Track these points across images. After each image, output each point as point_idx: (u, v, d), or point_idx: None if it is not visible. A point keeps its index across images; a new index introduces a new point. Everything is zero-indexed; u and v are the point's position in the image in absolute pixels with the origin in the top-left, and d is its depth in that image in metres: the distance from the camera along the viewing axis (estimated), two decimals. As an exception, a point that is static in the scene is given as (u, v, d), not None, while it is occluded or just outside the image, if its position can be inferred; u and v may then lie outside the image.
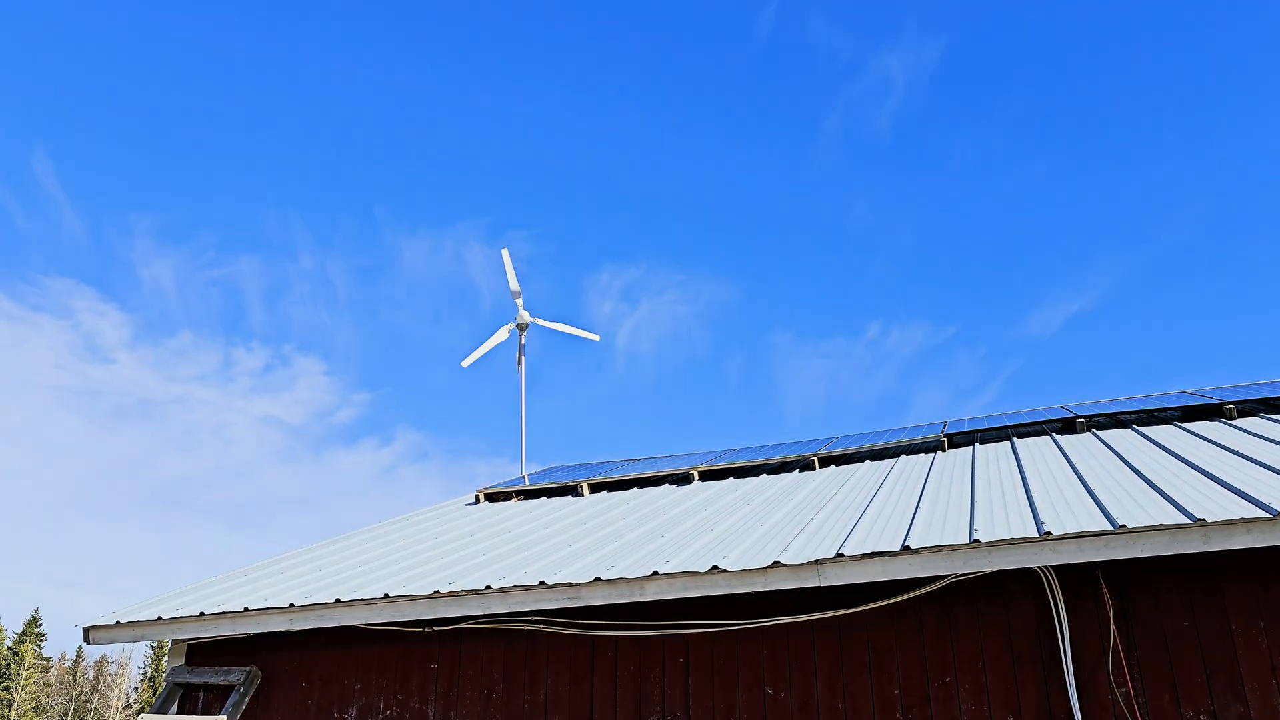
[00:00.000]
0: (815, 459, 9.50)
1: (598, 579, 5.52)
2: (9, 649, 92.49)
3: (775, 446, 10.76)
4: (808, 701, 5.46)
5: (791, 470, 9.48)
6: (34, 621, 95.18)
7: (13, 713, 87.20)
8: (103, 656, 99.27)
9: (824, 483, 8.32)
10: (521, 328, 15.43)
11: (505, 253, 16.03)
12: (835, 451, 9.56)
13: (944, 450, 9.01)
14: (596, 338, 16.96)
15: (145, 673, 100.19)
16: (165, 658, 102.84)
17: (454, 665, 6.33)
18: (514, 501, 10.15)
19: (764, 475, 9.41)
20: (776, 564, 5.15)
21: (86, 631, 6.73)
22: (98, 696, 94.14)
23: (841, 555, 5.03)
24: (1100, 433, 8.47)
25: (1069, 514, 5.12)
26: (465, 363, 14.88)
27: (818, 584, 5.08)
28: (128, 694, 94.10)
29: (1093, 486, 5.81)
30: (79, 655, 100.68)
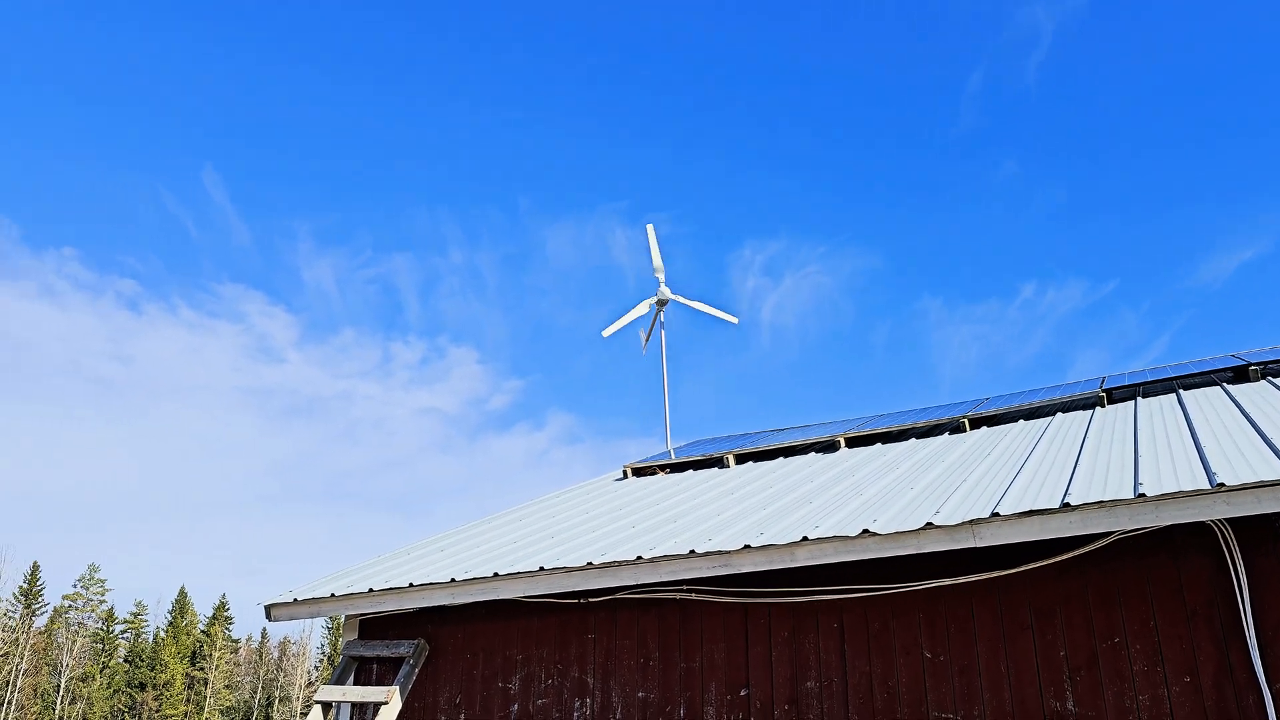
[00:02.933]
0: (966, 421, 9.24)
1: (747, 546, 5.53)
2: (202, 632, 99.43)
3: (923, 410, 10.51)
4: (968, 664, 5.34)
5: (941, 433, 9.25)
6: (222, 606, 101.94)
7: (208, 690, 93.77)
8: (285, 638, 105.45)
9: (975, 444, 8.09)
10: (661, 303, 15.53)
11: (650, 229, 16.17)
12: (986, 412, 9.27)
13: (1103, 406, 8.61)
14: (735, 320, 16.98)
15: (324, 652, 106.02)
16: (341, 636, 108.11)
17: (610, 635, 6.47)
18: (660, 475, 10.26)
19: (912, 439, 9.21)
20: (929, 525, 5.05)
21: (268, 609, 7.16)
22: (282, 675, 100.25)
23: (997, 515, 4.89)
24: (1277, 380, 7.94)
25: (1243, 463, 4.83)
26: (606, 332, 15.11)
27: (973, 544, 4.95)
28: (309, 672, 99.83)
29: (1269, 434, 5.45)
30: (264, 637, 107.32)
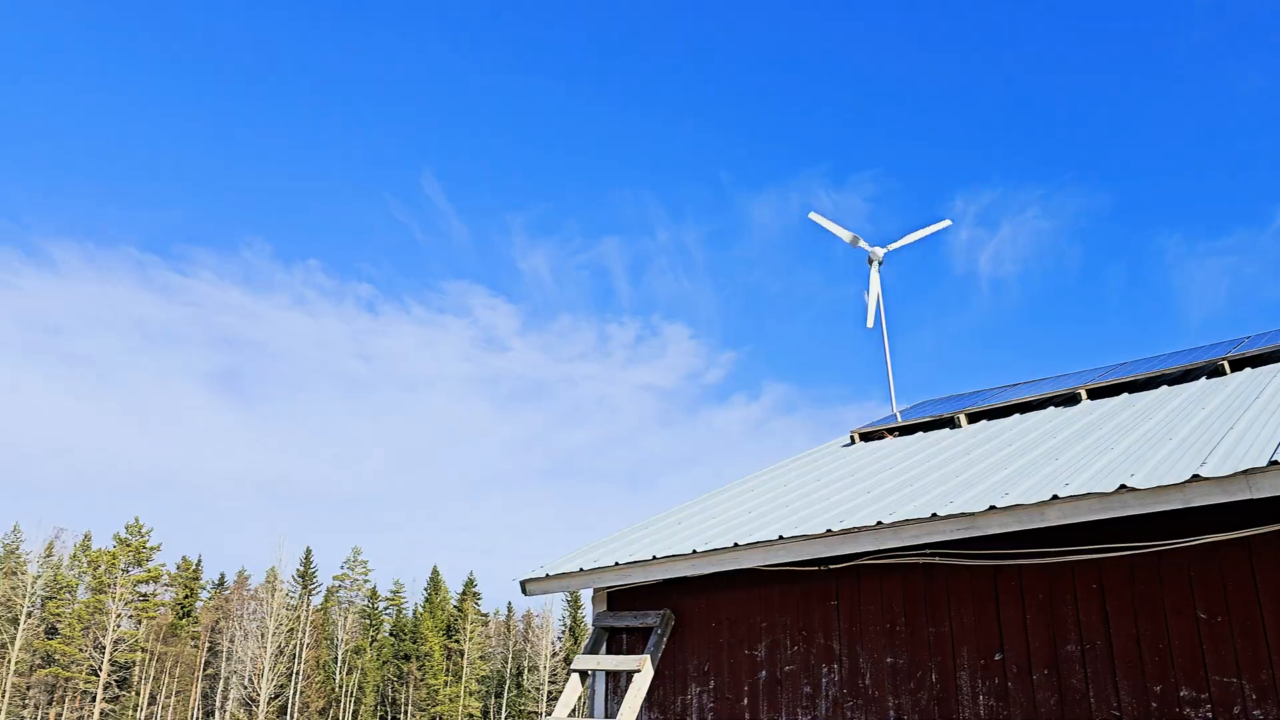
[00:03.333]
0: (1225, 363, 8.52)
1: (992, 507, 5.35)
2: (454, 607, 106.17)
3: (1172, 355, 9.76)
4: (1250, 625, 4.95)
5: (1196, 378, 8.57)
6: (470, 583, 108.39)
7: (464, 661, 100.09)
8: (529, 610, 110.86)
9: (1238, 388, 7.44)
10: (875, 263, 15.17)
11: (814, 216, 15.92)
12: (1249, 352, 8.51)
13: (1391, 336, 7.72)
14: (947, 223, 16.66)
15: (565, 624, 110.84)
16: (581, 610, 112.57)
17: (853, 600, 6.43)
18: (889, 439, 10.06)
19: (1163, 387, 8.59)
20: (1196, 478, 4.71)
21: (523, 584, 7.58)
22: (529, 645, 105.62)
23: (1276, 463, 4.50)
24: None
25: None
26: (870, 323, 14.95)
27: (1248, 496, 4.59)
28: (552, 643, 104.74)
29: None
30: (510, 611, 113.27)
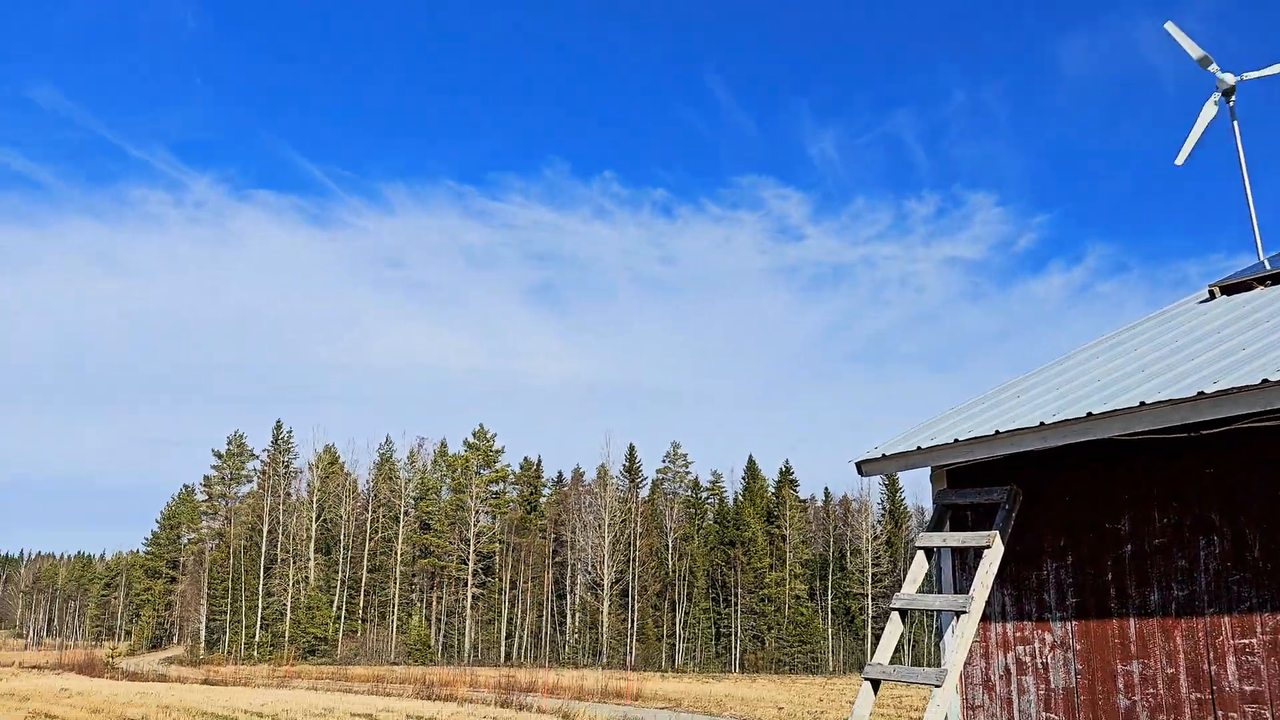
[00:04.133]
0: None
1: None
2: (772, 494, 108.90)
3: None
4: None
5: None
6: (787, 471, 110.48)
7: (786, 546, 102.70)
8: (845, 496, 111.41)
9: None
10: (1226, 93, 13.27)
11: (1169, 26, 13.85)
12: None
13: None
14: None
15: (884, 507, 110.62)
16: (900, 493, 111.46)
17: (1231, 468, 5.84)
18: (1259, 290, 8.93)
19: None
20: None
21: (859, 465, 7.55)
22: (849, 530, 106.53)
23: None
24: None
25: None
26: (1179, 160, 13.26)
27: None
28: (872, 526, 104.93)
29: None
30: (827, 496, 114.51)
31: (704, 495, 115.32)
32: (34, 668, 66.77)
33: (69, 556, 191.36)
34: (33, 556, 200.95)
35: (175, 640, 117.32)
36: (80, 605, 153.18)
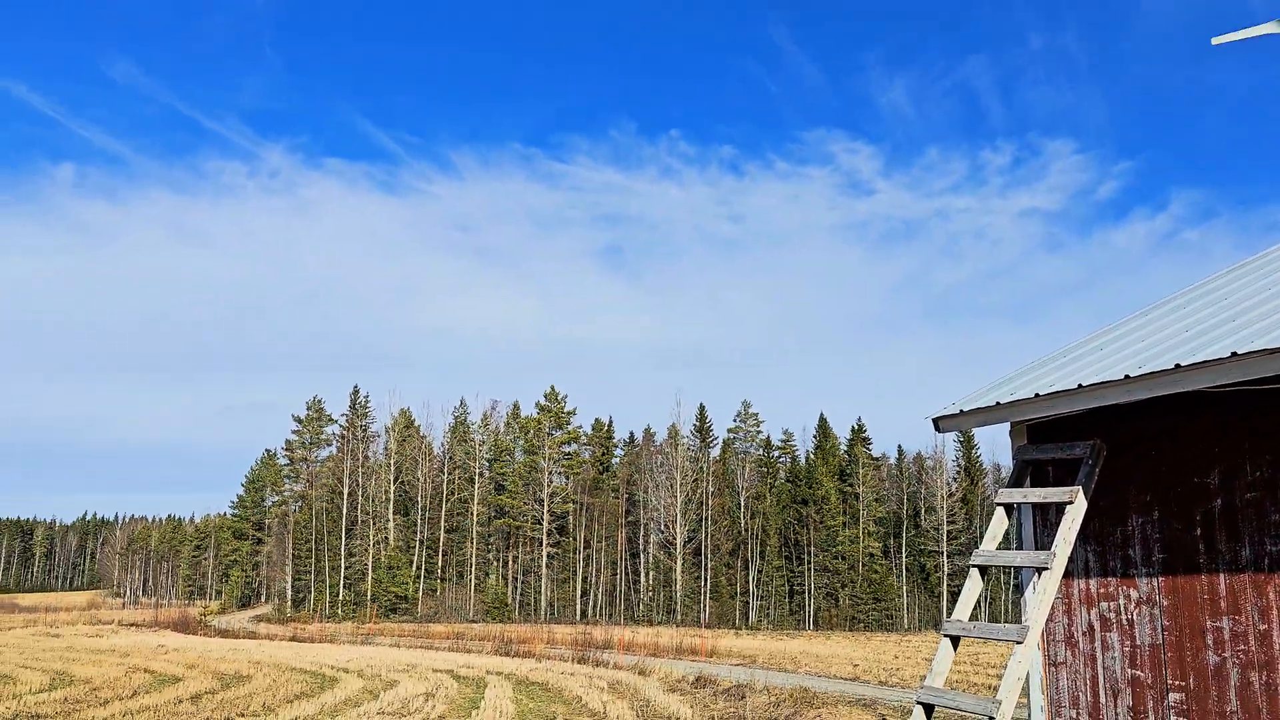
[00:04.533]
0: None
1: None
2: (844, 452, 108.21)
3: None
4: None
5: None
6: (859, 428, 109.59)
7: (860, 504, 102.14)
8: (919, 453, 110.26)
9: None
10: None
11: None
12: None
13: None
14: None
15: (959, 464, 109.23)
16: (976, 450, 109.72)
17: (1329, 419, 5.64)
18: (1357, 234, 8.55)
19: None
20: None
21: (935, 421, 7.47)
22: (924, 487, 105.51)
23: None
24: None
25: None
26: (1216, 40, 12.55)
27: None
28: (947, 483, 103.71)
29: None
30: (900, 454, 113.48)
31: (776, 454, 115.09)
32: (132, 625, 69.87)
33: (160, 520, 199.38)
34: (126, 520, 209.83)
35: (263, 599, 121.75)
36: (172, 566, 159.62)
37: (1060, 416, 7.10)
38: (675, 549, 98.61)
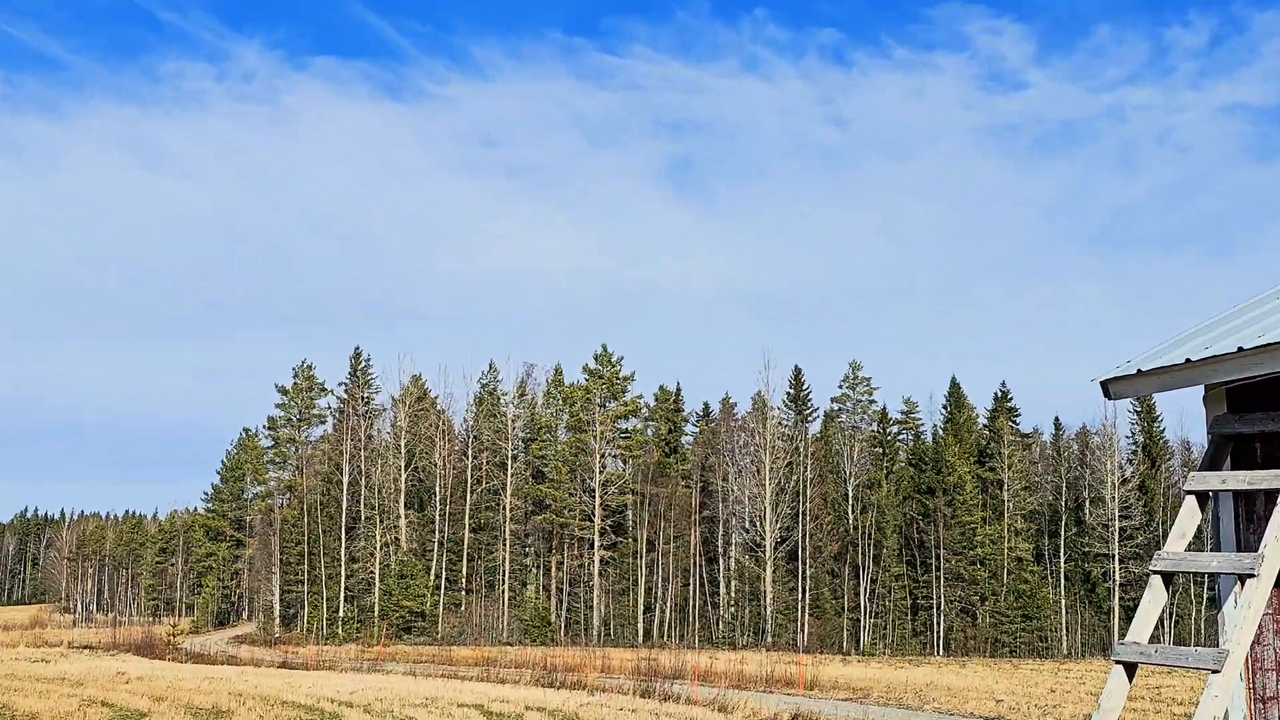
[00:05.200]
0: None
1: None
2: (984, 427, 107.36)
3: None
4: None
5: None
6: (1003, 396, 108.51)
7: (1004, 493, 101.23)
8: (1083, 426, 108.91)
9: None
10: None
11: None
12: None
13: None
14: None
15: (1136, 441, 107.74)
16: (1159, 423, 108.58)
17: None
18: None
19: None
20: None
21: (1104, 385, 7.41)
22: (1089, 472, 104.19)
23: None
24: None
25: None
26: None
27: None
28: (1120, 467, 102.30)
29: None
30: (1057, 428, 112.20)
31: (893, 430, 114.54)
32: (86, 648, 72.32)
33: (116, 517, 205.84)
34: (76, 517, 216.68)
35: (245, 615, 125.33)
36: (133, 574, 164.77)
37: (1272, 377, 7.00)
38: (764, 552, 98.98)
